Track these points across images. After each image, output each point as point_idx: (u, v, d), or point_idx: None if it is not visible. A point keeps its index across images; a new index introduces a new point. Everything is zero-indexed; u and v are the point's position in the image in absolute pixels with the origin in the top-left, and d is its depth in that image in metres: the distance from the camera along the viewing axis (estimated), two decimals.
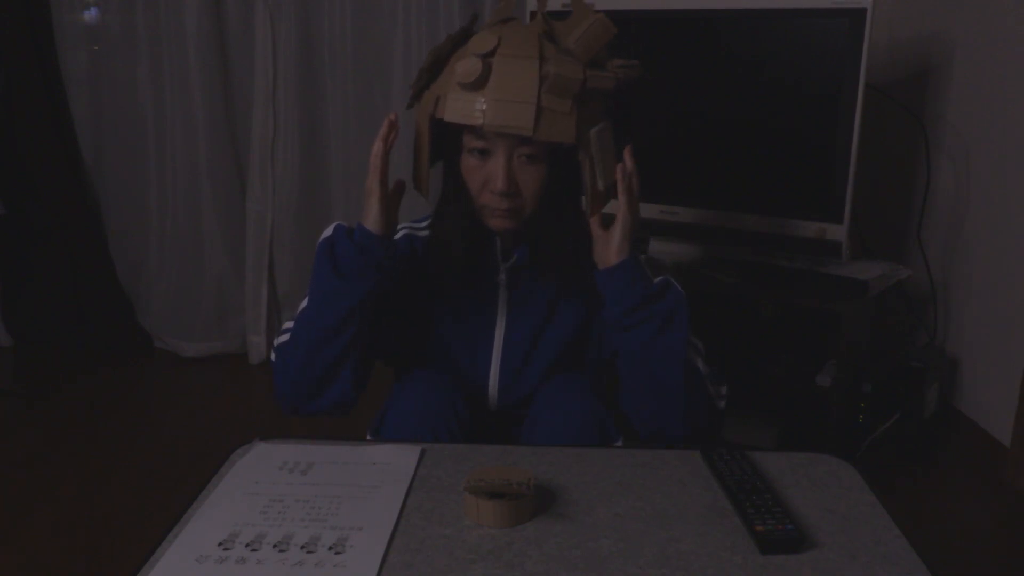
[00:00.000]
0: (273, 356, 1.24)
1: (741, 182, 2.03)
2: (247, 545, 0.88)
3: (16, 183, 2.77)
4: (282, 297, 2.87)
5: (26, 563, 1.73)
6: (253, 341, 2.82)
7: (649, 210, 2.12)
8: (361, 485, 1.00)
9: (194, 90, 2.64)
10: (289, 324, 1.24)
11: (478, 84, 1.12)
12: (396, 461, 1.06)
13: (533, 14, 2.18)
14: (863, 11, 1.80)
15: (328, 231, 1.20)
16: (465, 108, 1.13)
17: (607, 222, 1.23)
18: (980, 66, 2.20)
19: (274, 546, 0.88)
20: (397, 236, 1.32)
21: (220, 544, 0.88)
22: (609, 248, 1.21)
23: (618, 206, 1.21)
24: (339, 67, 2.68)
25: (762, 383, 2.08)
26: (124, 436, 2.31)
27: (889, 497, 1.00)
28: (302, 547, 0.88)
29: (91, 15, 2.69)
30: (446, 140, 1.21)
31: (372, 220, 1.18)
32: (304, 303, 1.21)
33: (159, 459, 2.17)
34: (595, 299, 1.25)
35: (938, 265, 2.35)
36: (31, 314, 2.89)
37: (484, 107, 1.12)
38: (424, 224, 1.32)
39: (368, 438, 1.26)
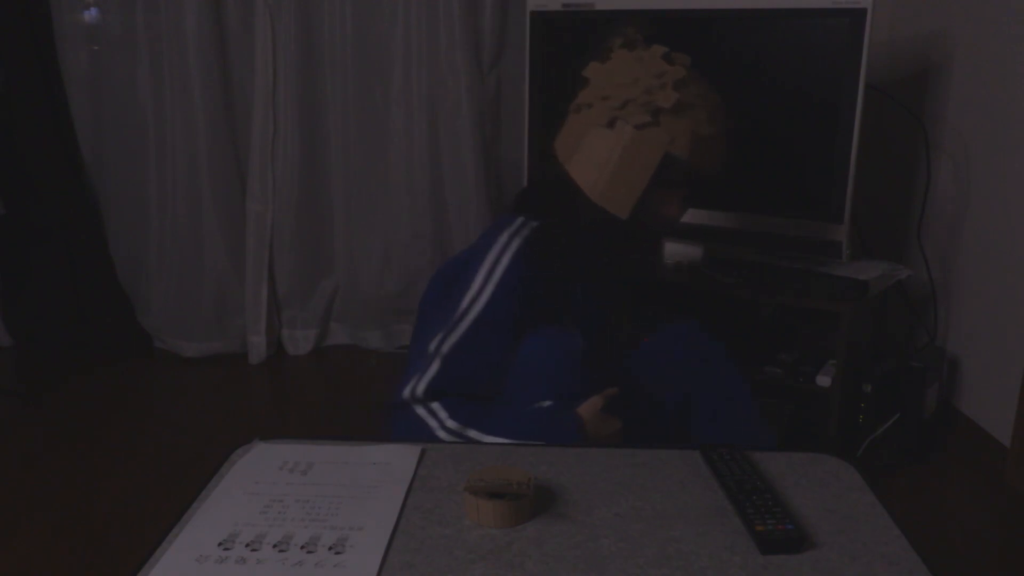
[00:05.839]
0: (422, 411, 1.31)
1: (741, 182, 2.03)
2: (247, 545, 0.88)
3: (16, 183, 2.76)
4: (282, 297, 2.87)
5: (26, 563, 1.73)
6: (253, 341, 2.82)
7: None
8: (361, 485, 1.00)
9: (194, 90, 2.64)
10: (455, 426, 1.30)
11: None
12: (396, 461, 1.06)
13: (533, 14, 2.18)
14: (863, 11, 1.80)
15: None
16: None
17: None
18: (980, 66, 2.20)
19: (274, 546, 0.88)
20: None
21: (220, 544, 0.88)
22: None
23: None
24: (339, 67, 2.68)
25: (762, 383, 2.08)
26: (124, 436, 2.31)
27: (889, 497, 1.00)
28: (302, 547, 0.88)
29: (91, 15, 2.68)
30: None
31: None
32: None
33: (159, 459, 2.17)
34: None
35: (938, 265, 2.35)
36: (31, 314, 2.89)
37: None
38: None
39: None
